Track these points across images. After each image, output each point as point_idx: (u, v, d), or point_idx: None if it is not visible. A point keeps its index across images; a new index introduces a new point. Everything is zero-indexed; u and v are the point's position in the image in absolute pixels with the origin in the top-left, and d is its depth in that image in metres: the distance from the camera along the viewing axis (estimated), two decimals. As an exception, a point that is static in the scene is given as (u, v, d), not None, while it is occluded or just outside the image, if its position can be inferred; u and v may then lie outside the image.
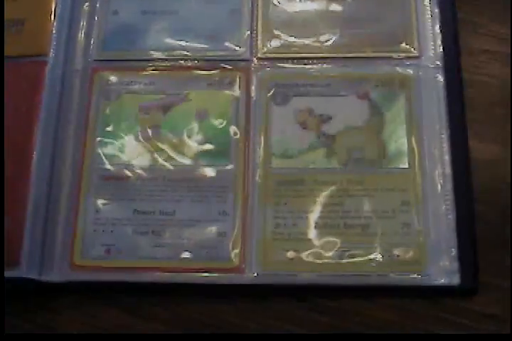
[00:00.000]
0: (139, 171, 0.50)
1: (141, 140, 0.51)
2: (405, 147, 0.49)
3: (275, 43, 0.53)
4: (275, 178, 0.49)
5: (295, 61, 0.53)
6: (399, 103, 0.51)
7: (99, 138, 0.51)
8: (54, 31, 0.54)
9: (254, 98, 0.52)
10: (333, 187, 0.49)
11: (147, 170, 0.50)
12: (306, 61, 0.53)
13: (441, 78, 0.51)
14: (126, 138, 0.51)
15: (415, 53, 0.52)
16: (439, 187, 0.48)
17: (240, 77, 0.52)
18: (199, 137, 0.51)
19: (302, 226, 0.48)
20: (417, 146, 0.49)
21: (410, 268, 0.46)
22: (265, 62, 0.53)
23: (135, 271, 0.47)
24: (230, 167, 0.50)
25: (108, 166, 0.50)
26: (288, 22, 0.54)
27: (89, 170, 0.50)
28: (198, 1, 0.55)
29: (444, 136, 0.50)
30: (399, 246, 0.47)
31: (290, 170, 0.50)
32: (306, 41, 0.53)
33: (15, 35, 0.53)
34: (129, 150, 0.51)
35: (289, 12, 0.55)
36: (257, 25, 0.54)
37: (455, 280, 0.46)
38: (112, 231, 0.49)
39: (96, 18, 0.55)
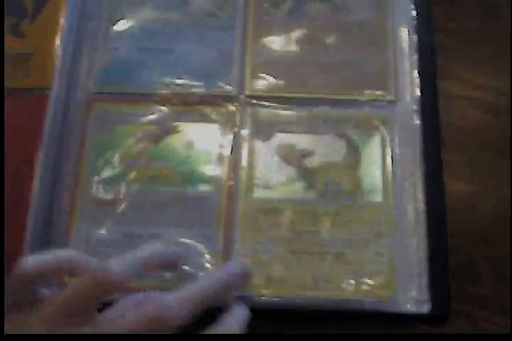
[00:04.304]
0: (128, 197, 0.52)
1: (132, 168, 0.53)
2: (379, 183, 0.52)
3: (262, 83, 0.56)
4: (256, 207, 0.51)
5: (279, 100, 0.55)
6: (375, 143, 0.53)
7: (92, 166, 0.53)
8: (58, 66, 0.56)
9: (240, 133, 0.54)
10: (310, 218, 0.51)
11: (136, 196, 0.52)
12: (289, 100, 0.55)
13: (417, 121, 0.54)
14: (118, 166, 0.53)
15: (393, 98, 0.55)
16: (412, 221, 0.51)
17: (227, 113, 0.55)
18: (187, 166, 0.53)
19: (280, 253, 0.50)
20: (391, 183, 0.52)
21: (380, 295, 0.49)
22: (252, 100, 0.55)
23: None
24: (214, 195, 0.52)
25: (100, 193, 0.52)
26: (275, 64, 0.57)
27: (82, 197, 0.52)
28: (194, 41, 0.58)
29: (419, 175, 0.52)
30: (370, 274, 0.49)
31: (270, 200, 0.52)
32: (291, 82, 0.56)
33: (22, 69, 0.56)
34: (121, 178, 0.53)
35: (276, 55, 0.57)
36: (246, 66, 0.56)
37: (425, 307, 0.48)
38: (101, 252, 0.50)
39: (97, 54, 0.58)
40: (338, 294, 0.49)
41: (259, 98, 0.56)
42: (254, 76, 0.57)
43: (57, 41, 0.57)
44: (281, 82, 0.56)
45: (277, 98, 0.56)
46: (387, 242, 0.50)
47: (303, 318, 0.49)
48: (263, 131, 0.54)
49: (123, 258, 0.41)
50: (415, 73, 0.56)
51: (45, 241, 0.52)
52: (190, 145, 0.54)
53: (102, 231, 0.51)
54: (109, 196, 0.53)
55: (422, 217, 0.51)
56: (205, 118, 0.55)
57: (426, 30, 0.57)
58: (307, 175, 0.53)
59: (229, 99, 0.56)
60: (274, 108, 0.55)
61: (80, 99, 0.56)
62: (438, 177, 0.52)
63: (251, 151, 0.54)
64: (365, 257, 0.50)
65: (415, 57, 0.57)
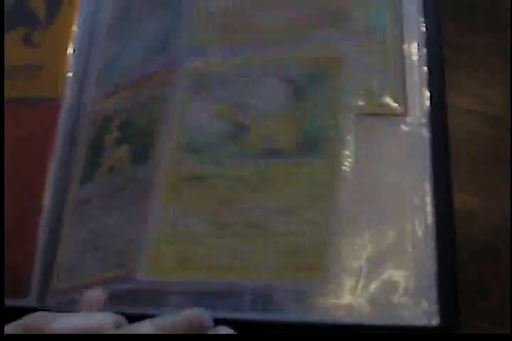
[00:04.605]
0: (92, 192, 0.51)
1: (102, 161, 0.51)
2: (325, 138, 0.45)
3: (207, 33, 0.51)
4: (177, 174, 0.45)
5: (218, 50, 0.50)
6: (326, 89, 0.46)
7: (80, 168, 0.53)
8: (70, 76, 0.57)
9: (176, 90, 0.49)
10: (238, 183, 0.44)
11: (98, 190, 0.50)
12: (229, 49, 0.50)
13: (426, 134, 0.49)
14: (94, 163, 0.52)
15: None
16: (421, 234, 0.45)
17: (170, 73, 0.50)
18: (129, 141, 0.50)
19: (199, 226, 0.43)
20: (338, 138, 0.44)
21: (305, 276, 0.41)
22: (192, 52, 0.50)
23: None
24: (148, 165, 0.47)
25: (80, 193, 0.51)
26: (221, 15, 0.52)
27: (68, 199, 0.52)
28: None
29: (427, 188, 0.47)
30: (297, 249, 0.41)
31: (194, 165, 0.45)
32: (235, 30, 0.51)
33: (34, 79, 0.58)
34: (92, 175, 0.51)
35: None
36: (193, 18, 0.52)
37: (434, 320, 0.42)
38: (73, 252, 0.49)
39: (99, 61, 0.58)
40: (265, 275, 0.41)
41: (198, 48, 0.51)
42: (200, 28, 0.51)
43: (70, 50, 0.59)
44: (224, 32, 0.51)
45: (217, 48, 0.50)
46: (323, 208, 0.42)
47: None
48: (197, 84, 0.49)
49: (155, 319, 0.38)
50: (424, 87, 0.53)
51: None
52: (133, 118, 0.51)
53: (78, 232, 0.50)
54: (81, 196, 0.51)
55: (431, 230, 0.45)
56: (153, 87, 0.51)
57: (435, 44, 0.55)
58: (240, 133, 0.46)
59: (175, 59, 0.51)
60: (212, 59, 0.50)
61: (86, 106, 0.56)
62: (447, 190, 0.48)
63: (182, 109, 0.48)
64: (292, 228, 0.41)
65: (425, 71, 0.53)
